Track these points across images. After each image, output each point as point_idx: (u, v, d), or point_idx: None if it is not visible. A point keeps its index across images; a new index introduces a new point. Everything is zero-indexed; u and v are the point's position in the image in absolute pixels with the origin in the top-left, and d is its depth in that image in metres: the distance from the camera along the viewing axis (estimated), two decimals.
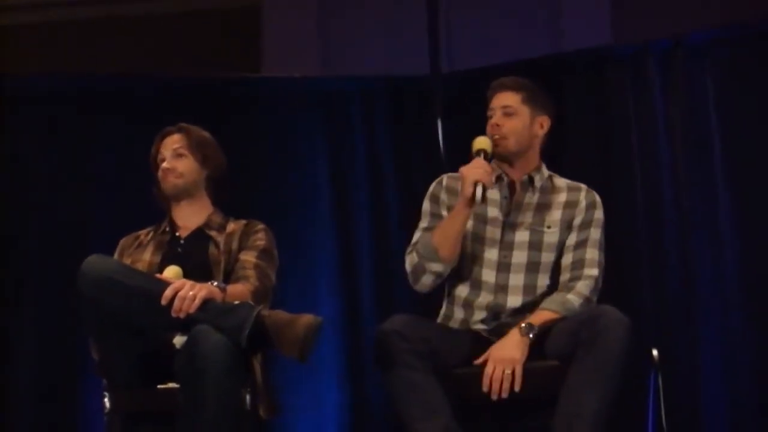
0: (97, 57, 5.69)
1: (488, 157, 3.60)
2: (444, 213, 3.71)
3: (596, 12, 5.32)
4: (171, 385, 3.36)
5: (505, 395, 3.33)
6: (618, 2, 5.37)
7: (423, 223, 3.74)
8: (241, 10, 5.88)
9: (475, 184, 3.48)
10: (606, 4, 5.36)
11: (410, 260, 3.65)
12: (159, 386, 3.40)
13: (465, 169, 3.54)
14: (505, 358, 3.35)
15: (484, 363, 3.38)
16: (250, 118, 4.94)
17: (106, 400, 3.46)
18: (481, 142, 3.63)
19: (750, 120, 4.53)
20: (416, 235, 3.72)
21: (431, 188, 3.80)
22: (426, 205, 3.77)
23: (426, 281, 3.63)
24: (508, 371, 3.33)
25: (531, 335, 3.39)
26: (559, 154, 4.56)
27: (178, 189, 3.76)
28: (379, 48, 5.41)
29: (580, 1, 5.36)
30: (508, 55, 4.93)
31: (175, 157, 3.76)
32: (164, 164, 3.75)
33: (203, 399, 3.07)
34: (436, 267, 3.60)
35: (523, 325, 3.41)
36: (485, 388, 3.34)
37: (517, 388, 3.33)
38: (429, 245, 3.58)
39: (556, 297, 3.54)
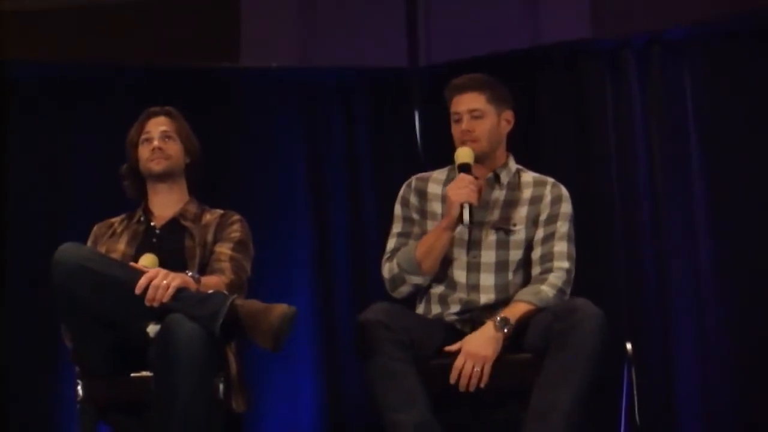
0: (74, 45, 5.64)
1: (471, 169, 3.57)
2: (415, 216, 3.72)
3: (575, 6, 5.32)
4: (144, 373, 3.36)
5: (471, 389, 3.33)
6: None
7: (396, 228, 3.74)
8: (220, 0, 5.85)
9: (462, 206, 3.47)
10: None
11: (389, 269, 3.66)
12: (132, 375, 3.40)
13: (451, 190, 3.53)
14: (477, 354, 3.35)
15: (455, 354, 3.38)
16: (228, 108, 4.93)
17: (79, 388, 3.44)
18: (464, 155, 3.60)
19: (727, 116, 4.55)
20: (391, 241, 3.72)
21: (401, 191, 3.79)
22: (397, 209, 3.77)
23: (404, 290, 3.66)
24: (478, 368, 3.34)
25: (506, 330, 3.38)
26: (535, 148, 4.59)
27: (165, 170, 3.74)
28: (358, 39, 5.39)
29: None
30: (486, 48, 4.92)
31: (165, 139, 3.74)
32: (155, 143, 3.72)
33: (176, 388, 3.07)
34: (417, 280, 3.62)
35: (498, 318, 3.40)
36: (452, 380, 3.35)
37: (482, 385, 3.33)
38: (411, 259, 3.58)
39: (529, 288, 3.53)
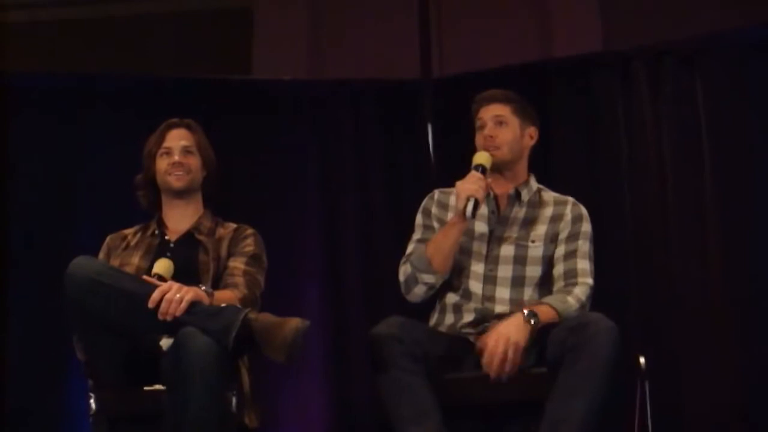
0: (88, 57, 5.68)
1: (486, 172, 3.61)
2: (435, 224, 3.75)
3: (586, 18, 5.34)
4: (157, 387, 3.35)
5: (503, 376, 3.31)
6: (608, 9, 5.38)
7: (416, 236, 3.77)
8: (233, 12, 5.88)
9: (467, 199, 3.49)
10: (596, 11, 5.37)
11: (404, 270, 3.67)
12: (145, 388, 3.40)
13: (459, 184, 3.57)
14: (509, 337, 3.32)
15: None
16: (240, 120, 4.93)
17: (91, 401, 3.45)
18: (480, 157, 3.64)
19: (739, 127, 4.54)
20: (410, 247, 3.75)
21: (423, 203, 3.84)
22: (418, 219, 3.81)
23: (418, 292, 3.65)
24: (511, 353, 3.31)
25: (533, 322, 3.37)
26: (547, 161, 4.59)
27: (185, 186, 3.74)
28: (370, 52, 5.41)
29: (571, 7, 5.38)
30: (498, 60, 4.94)
31: (185, 154, 3.74)
32: (175, 157, 3.72)
33: (188, 401, 3.07)
34: (429, 278, 3.62)
35: (526, 311, 3.39)
36: (485, 362, 3.33)
37: (509, 370, 3.30)
38: (422, 257, 3.60)
39: (557, 296, 3.54)
